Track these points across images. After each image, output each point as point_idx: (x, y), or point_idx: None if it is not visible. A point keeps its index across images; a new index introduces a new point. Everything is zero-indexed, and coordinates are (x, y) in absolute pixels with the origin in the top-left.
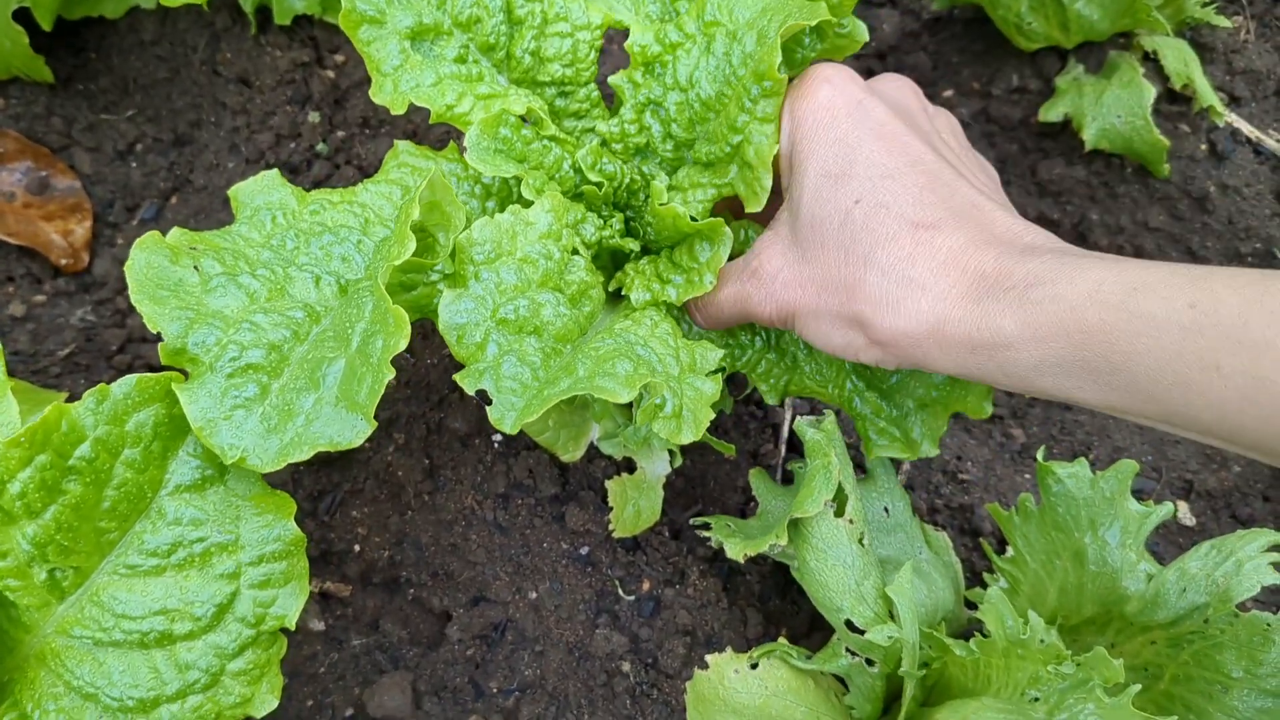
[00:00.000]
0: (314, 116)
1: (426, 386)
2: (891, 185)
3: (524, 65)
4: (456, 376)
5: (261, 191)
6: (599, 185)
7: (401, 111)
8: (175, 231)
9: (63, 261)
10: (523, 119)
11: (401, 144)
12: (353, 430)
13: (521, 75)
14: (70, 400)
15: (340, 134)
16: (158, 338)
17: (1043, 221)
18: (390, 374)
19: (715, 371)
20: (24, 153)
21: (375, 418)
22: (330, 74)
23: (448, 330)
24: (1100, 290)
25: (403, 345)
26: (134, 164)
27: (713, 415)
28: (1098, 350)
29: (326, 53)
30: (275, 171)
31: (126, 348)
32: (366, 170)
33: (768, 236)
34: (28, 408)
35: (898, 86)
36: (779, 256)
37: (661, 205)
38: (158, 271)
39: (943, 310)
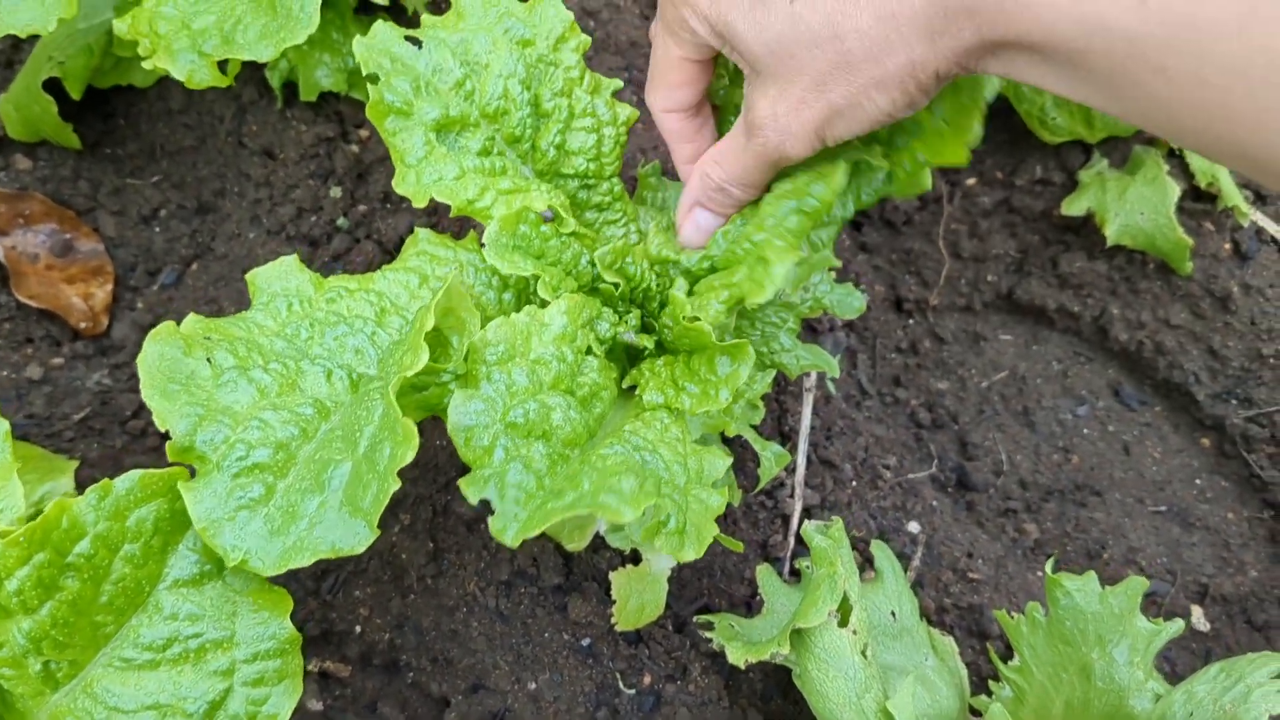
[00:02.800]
0: (336, 191)
1: (434, 468)
2: None
3: (549, 158)
4: (461, 483)
5: (279, 277)
6: (615, 285)
7: (423, 205)
8: (191, 319)
9: (82, 325)
10: (544, 215)
11: (422, 232)
12: (355, 537)
13: (546, 167)
14: (80, 466)
15: (361, 208)
16: (166, 435)
17: (1063, 314)
18: (396, 484)
19: (720, 484)
20: (49, 215)
21: None
22: (354, 149)
23: (456, 432)
24: None
25: (410, 457)
26: (158, 229)
27: (716, 530)
28: (1059, 48)
29: (351, 128)
30: (294, 257)
31: (141, 413)
32: (385, 245)
33: (747, 92)
34: (38, 475)
35: None
36: (767, 98)
37: (685, 319)
38: (170, 364)
39: (914, 29)
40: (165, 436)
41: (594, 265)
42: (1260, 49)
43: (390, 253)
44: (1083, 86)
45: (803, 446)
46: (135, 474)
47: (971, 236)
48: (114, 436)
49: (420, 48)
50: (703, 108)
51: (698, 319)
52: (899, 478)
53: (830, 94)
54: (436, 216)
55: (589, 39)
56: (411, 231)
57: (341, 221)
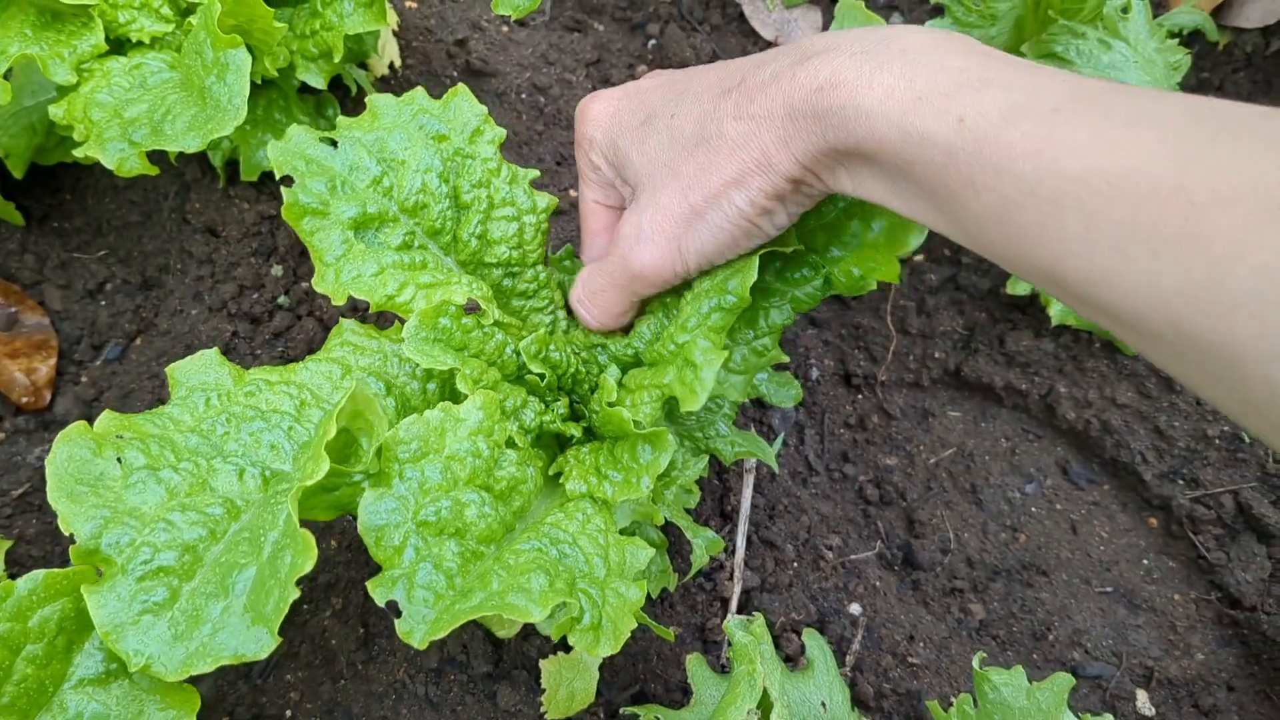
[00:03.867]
0: (277, 269)
1: (365, 551)
2: (689, 94)
3: (471, 248)
4: (369, 584)
5: (198, 371)
6: (541, 376)
7: (342, 303)
8: (105, 416)
9: (24, 400)
10: (466, 307)
11: (346, 323)
12: (257, 644)
13: (469, 258)
14: (17, 544)
15: (303, 285)
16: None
17: (1010, 391)
18: (295, 594)
19: (642, 576)
20: None
21: (314, 580)
22: None
23: (366, 532)
24: (887, 101)
25: (309, 567)
26: (103, 303)
27: (634, 624)
28: (889, 158)
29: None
30: (215, 350)
31: None
32: (326, 323)
33: (619, 224)
34: None
35: None
36: (633, 213)
37: (609, 404)
38: (79, 465)
39: (772, 127)
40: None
41: (519, 354)
42: (1050, 170)
43: (329, 328)
44: (911, 200)
45: (742, 528)
46: (39, 574)
47: (919, 313)
48: (53, 514)
49: (336, 148)
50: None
51: (618, 405)
52: (842, 558)
53: (692, 195)
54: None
55: (504, 131)
56: (353, 309)
57: (283, 299)
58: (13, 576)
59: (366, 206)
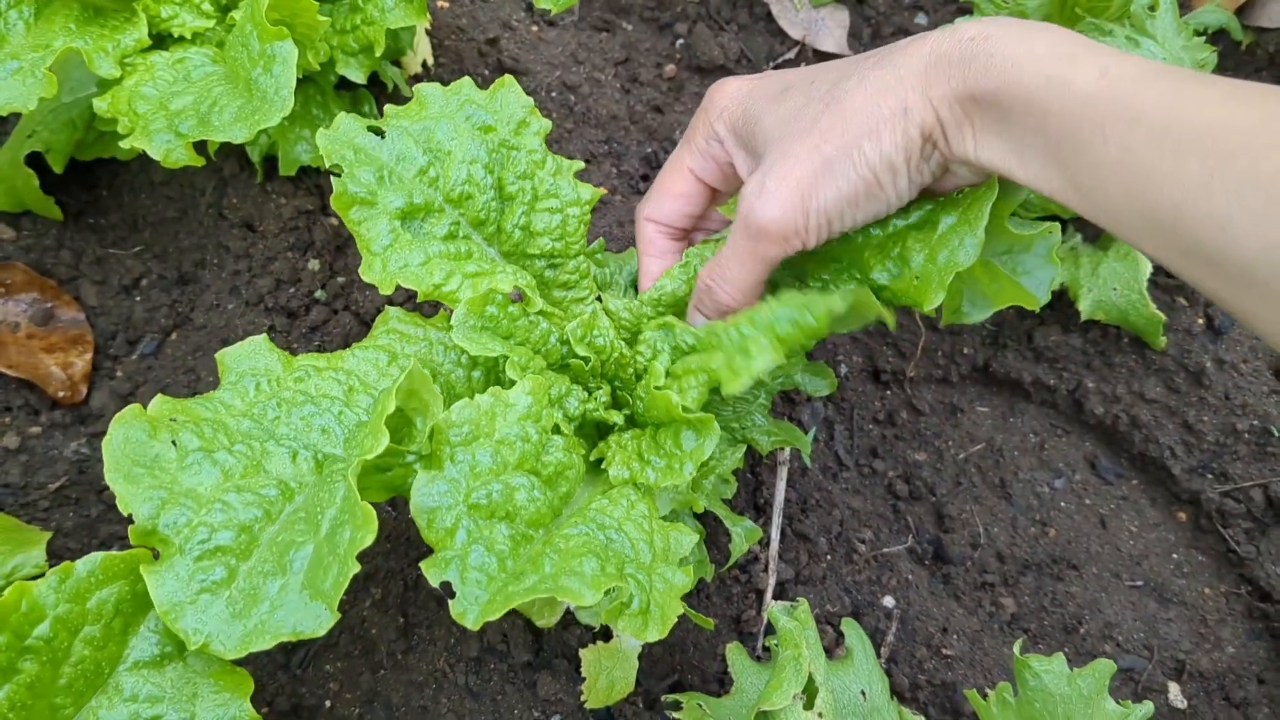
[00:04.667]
0: (314, 263)
1: (406, 542)
2: (831, 69)
3: (514, 239)
4: (423, 565)
5: (248, 357)
6: (585, 360)
7: (389, 292)
8: (158, 401)
9: (60, 394)
10: (512, 295)
11: (392, 310)
12: (316, 620)
13: (512, 248)
14: (55, 536)
15: (339, 280)
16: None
17: (1039, 387)
18: (355, 568)
19: (687, 561)
20: (31, 284)
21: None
22: (333, 221)
23: (419, 514)
24: (1033, 54)
25: (369, 541)
26: (138, 299)
27: (681, 609)
28: (1025, 105)
29: (329, 200)
30: (263, 336)
31: None
32: (363, 317)
33: (740, 195)
34: (9, 547)
35: None
36: (756, 175)
37: (657, 388)
38: (135, 447)
39: (912, 73)
40: (129, 519)
41: (563, 342)
42: (1179, 120)
43: (367, 324)
44: (1032, 158)
45: (776, 520)
46: (97, 556)
47: None
48: (90, 506)
49: (384, 138)
50: (682, 239)
51: (665, 389)
52: (874, 551)
53: (825, 145)
54: (411, 291)
55: (550, 123)
56: (390, 303)
57: (319, 294)
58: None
59: (413, 197)
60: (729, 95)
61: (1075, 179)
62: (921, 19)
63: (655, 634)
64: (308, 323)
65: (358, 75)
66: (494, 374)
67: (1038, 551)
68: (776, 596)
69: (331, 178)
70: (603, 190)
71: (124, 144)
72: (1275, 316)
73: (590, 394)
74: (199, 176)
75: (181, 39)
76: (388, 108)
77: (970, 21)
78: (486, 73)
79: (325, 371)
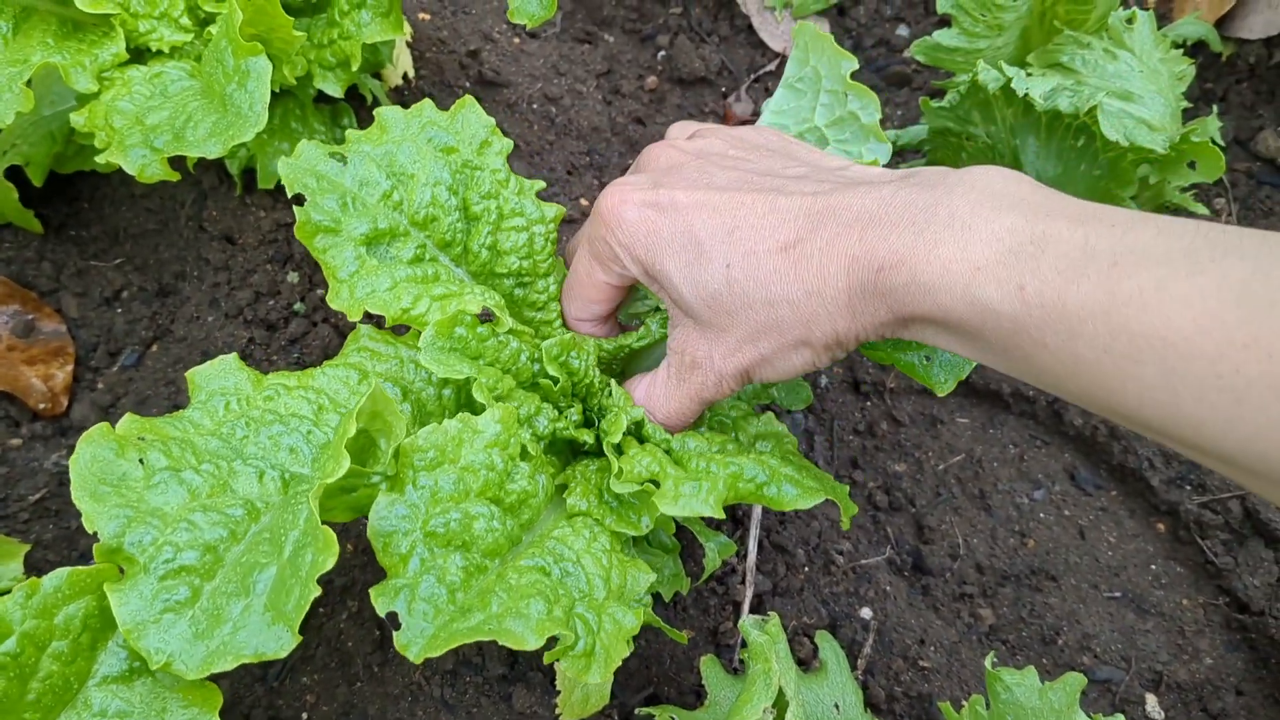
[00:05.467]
0: (293, 276)
1: None
2: (739, 235)
3: (481, 259)
4: (372, 592)
5: (217, 375)
6: (555, 380)
7: (358, 319)
8: (127, 419)
9: (41, 406)
10: (481, 316)
11: (363, 328)
12: (277, 642)
13: (480, 268)
14: (34, 548)
15: (319, 292)
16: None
17: (1018, 398)
18: (316, 592)
19: (640, 601)
20: (12, 296)
21: (330, 583)
22: None
23: (375, 536)
24: (947, 275)
25: (330, 564)
26: (119, 310)
27: (628, 651)
28: (958, 325)
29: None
30: (233, 356)
31: None
32: (342, 330)
33: (677, 335)
34: None
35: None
36: (702, 342)
37: (614, 445)
38: (102, 466)
39: (838, 306)
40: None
41: (534, 361)
42: (1121, 329)
43: (346, 337)
44: (982, 353)
45: (754, 532)
46: (64, 572)
47: None
48: (70, 518)
49: (346, 164)
50: (612, 316)
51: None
52: (852, 563)
53: (761, 345)
54: None
55: (511, 142)
56: (367, 316)
57: (298, 306)
58: None
59: (378, 222)
60: (631, 233)
61: (1033, 375)
62: (903, 30)
63: (598, 676)
64: (287, 335)
65: (335, 89)
66: (466, 392)
67: (1017, 563)
68: (754, 609)
69: (295, 208)
70: (564, 209)
71: (99, 159)
72: (1272, 494)
73: (561, 413)
74: (179, 189)
75: (160, 53)
76: (349, 133)
77: (873, 229)
78: (467, 84)
79: (295, 390)
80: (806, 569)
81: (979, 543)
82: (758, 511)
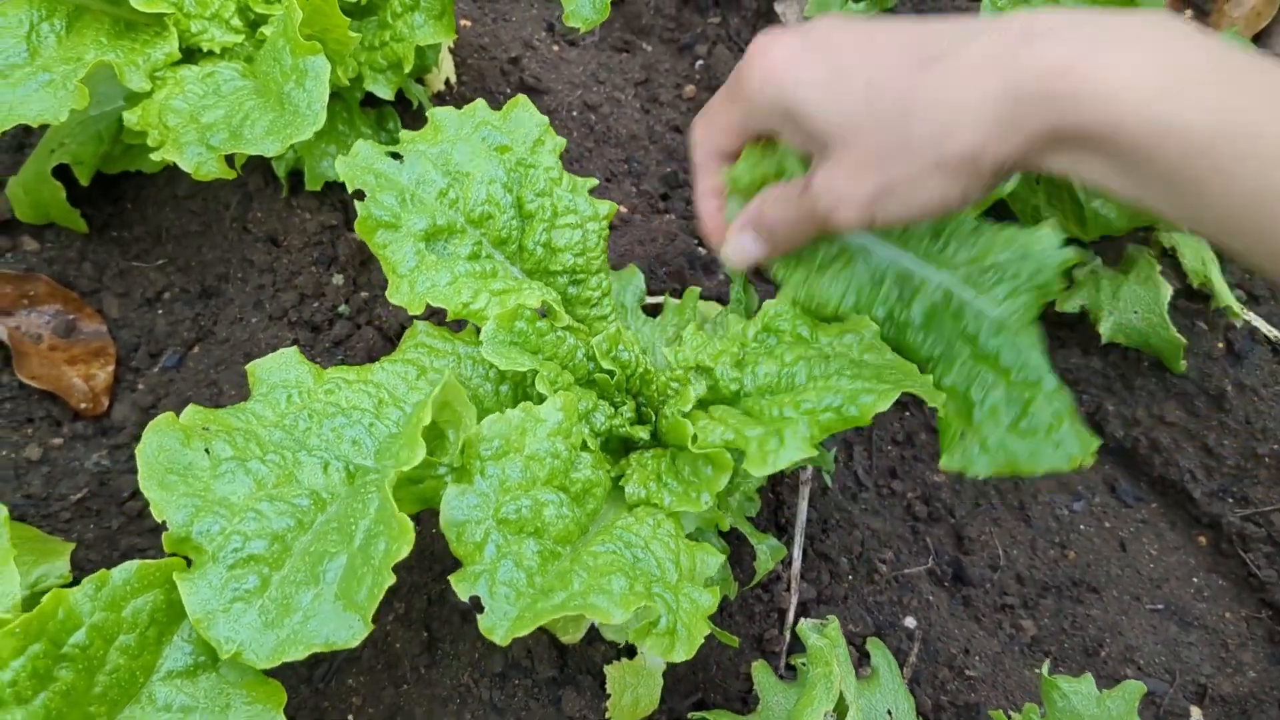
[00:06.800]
0: (338, 278)
1: (430, 557)
2: (882, 52)
3: (536, 256)
4: (452, 578)
5: (279, 368)
6: (611, 374)
7: (419, 313)
8: (190, 410)
9: (82, 405)
10: (538, 311)
11: (420, 325)
12: (349, 631)
13: (534, 266)
14: (77, 548)
15: (363, 295)
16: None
17: None
18: (391, 579)
19: (713, 581)
20: (54, 296)
21: None
22: (356, 236)
23: (448, 527)
24: (1126, 86)
25: (405, 552)
26: (160, 312)
27: (708, 629)
28: (1127, 144)
29: (354, 216)
30: (294, 349)
31: (139, 494)
32: (386, 332)
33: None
34: (34, 558)
35: None
36: (824, 167)
37: (683, 414)
38: (169, 455)
39: (983, 116)
40: (163, 526)
41: (590, 358)
42: None
43: (391, 340)
44: (1142, 183)
45: (798, 540)
46: (133, 564)
47: None
48: (111, 518)
49: (402, 162)
50: (731, 157)
51: (691, 418)
52: (895, 571)
53: (890, 170)
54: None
55: (564, 140)
56: (411, 320)
57: (343, 308)
58: (73, 582)
59: (436, 219)
60: (774, 67)
61: (1197, 210)
62: None
63: (682, 654)
64: (331, 337)
65: (385, 92)
66: (521, 389)
67: (1057, 574)
68: (799, 616)
69: (356, 204)
70: (617, 205)
71: (155, 156)
72: None
73: (616, 409)
74: (223, 190)
75: (210, 53)
76: (402, 134)
77: (1044, 39)
78: (508, 91)
79: (355, 384)
80: (850, 577)
81: (1019, 554)
82: (802, 519)
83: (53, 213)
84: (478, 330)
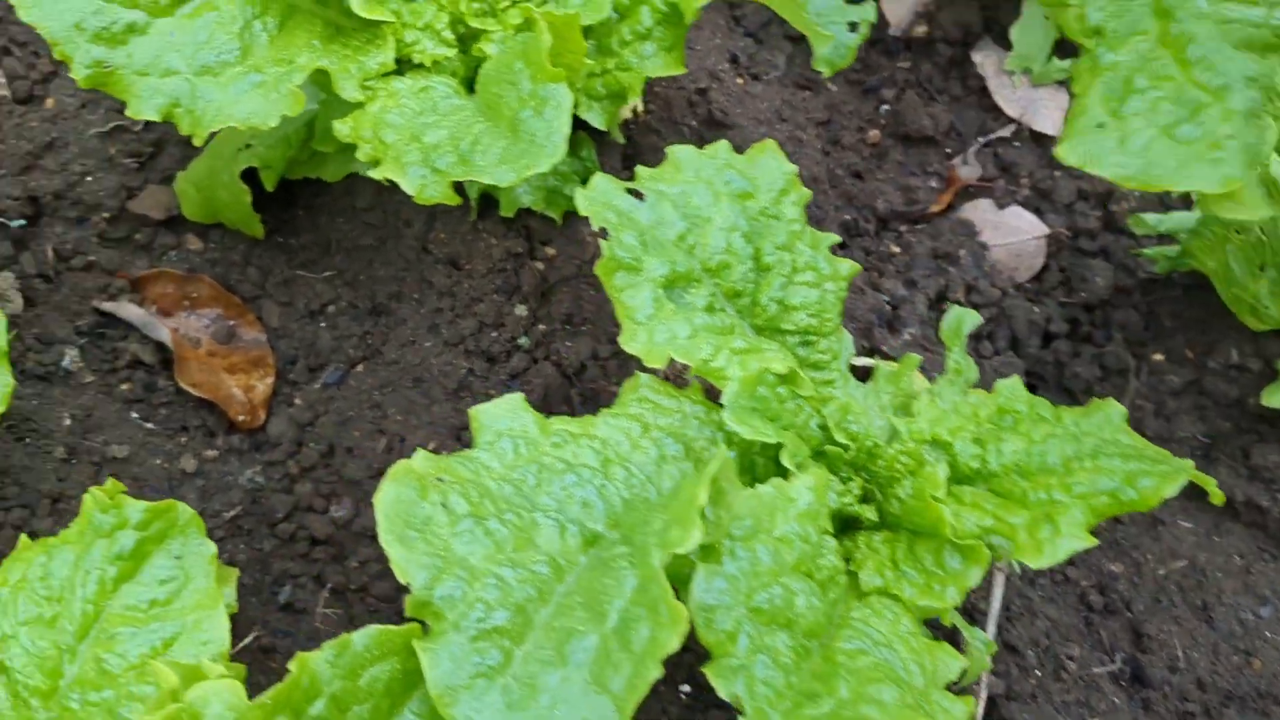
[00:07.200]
0: (521, 309)
1: None
2: None
3: (769, 313)
4: (707, 670)
5: (504, 416)
6: (845, 448)
7: (660, 366)
8: (421, 457)
9: (240, 417)
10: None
11: (644, 378)
12: None
13: (765, 322)
14: (230, 565)
15: (541, 328)
16: (403, 588)
17: (1250, 507)
18: (656, 673)
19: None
20: (216, 300)
21: None
22: (540, 265)
23: (698, 611)
24: None
25: (675, 644)
26: (324, 324)
27: None
28: None
29: (539, 244)
30: (519, 396)
31: (292, 516)
32: (564, 368)
33: None
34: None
35: None
36: None
37: (935, 498)
38: (406, 507)
39: None
40: (315, 540)
41: (822, 429)
42: None
43: (569, 377)
44: None
45: (991, 630)
46: (372, 630)
47: (1157, 416)
48: (262, 539)
49: (640, 200)
50: None
51: (938, 499)
52: (1083, 671)
53: None
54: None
55: (810, 192)
56: (593, 357)
57: (523, 340)
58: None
59: (676, 265)
60: None
61: None
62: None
63: None
64: (508, 369)
65: (599, 121)
66: (747, 456)
67: (1241, 683)
68: (987, 713)
69: (601, 243)
70: (859, 266)
71: (374, 173)
72: None
73: (845, 485)
74: (405, 207)
75: (420, 66)
76: (640, 169)
77: None
78: (694, 123)
79: (580, 438)
80: (1038, 673)
81: (1200, 657)
82: (997, 607)
83: (232, 215)
84: (704, 388)
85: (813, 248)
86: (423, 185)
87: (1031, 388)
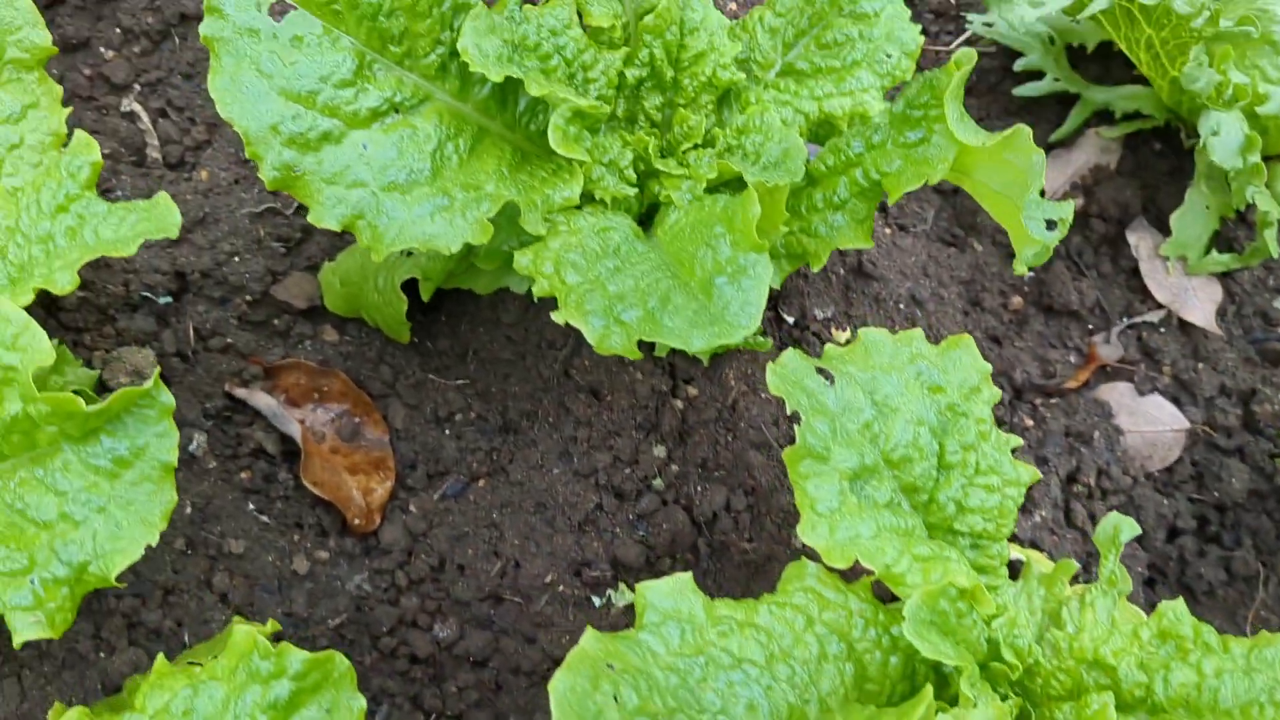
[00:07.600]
0: (659, 449)
1: None
2: None
3: (945, 512)
4: None
5: (671, 595)
6: (1012, 668)
7: (841, 565)
8: (591, 637)
9: (356, 520)
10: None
11: (810, 566)
12: None
13: (939, 521)
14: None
15: (675, 469)
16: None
17: None
18: None
19: None
20: (345, 396)
21: None
22: (679, 404)
23: None
24: None
25: None
26: (449, 433)
27: None
28: None
29: (681, 382)
30: (688, 576)
31: (396, 630)
32: (696, 517)
33: None
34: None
35: None
36: None
37: None
38: (581, 699)
39: None
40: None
41: (990, 641)
42: None
43: (698, 525)
44: None
45: None
46: None
47: None
48: (364, 651)
49: (828, 380)
50: None
51: None
52: None
53: None
54: (748, 496)
55: (1000, 392)
56: (726, 508)
57: (657, 482)
58: None
59: (864, 457)
60: None
61: None
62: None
63: None
64: (637, 509)
65: (774, 281)
66: (911, 662)
67: None
68: None
69: (794, 426)
70: (1039, 474)
71: (554, 315)
72: None
73: (1002, 701)
74: (551, 328)
75: (600, 202)
76: (829, 349)
77: None
78: (842, 271)
79: (746, 628)
80: None
81: None
82: None
83: (380, 318)
84: (875, 587)
85: (998, 450)
86: (605, 335)
87: (1150, 581)
